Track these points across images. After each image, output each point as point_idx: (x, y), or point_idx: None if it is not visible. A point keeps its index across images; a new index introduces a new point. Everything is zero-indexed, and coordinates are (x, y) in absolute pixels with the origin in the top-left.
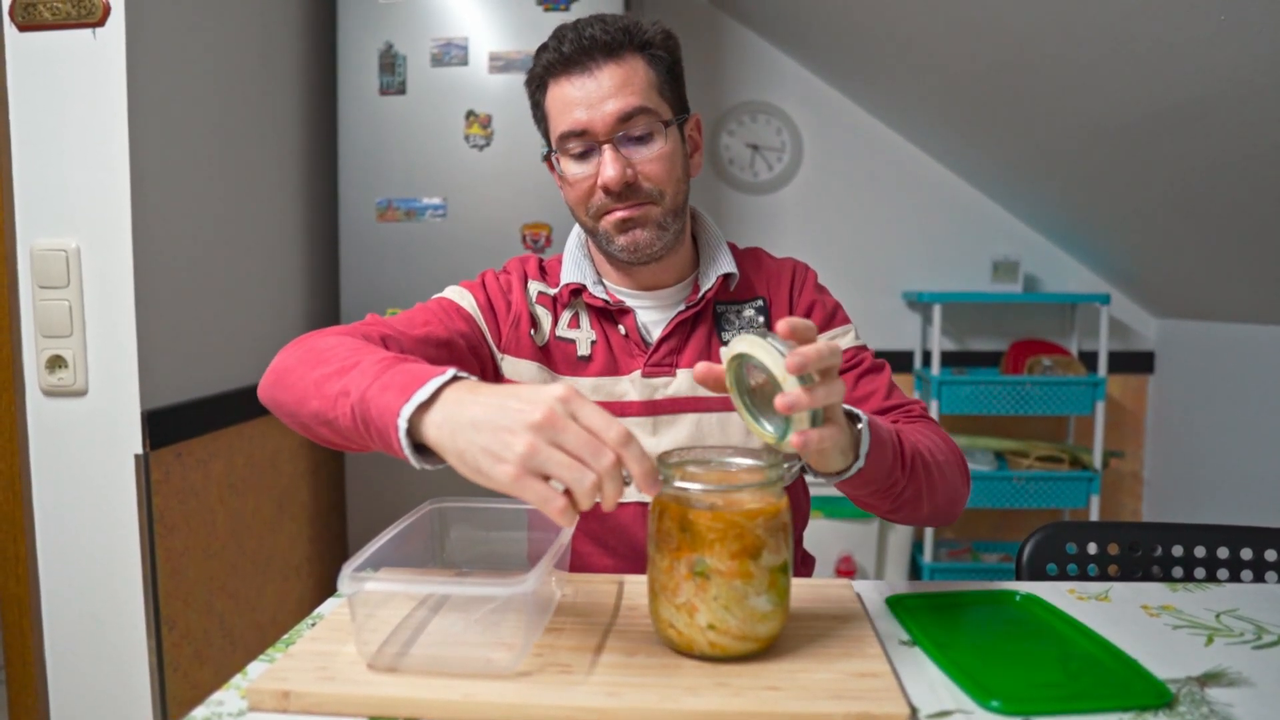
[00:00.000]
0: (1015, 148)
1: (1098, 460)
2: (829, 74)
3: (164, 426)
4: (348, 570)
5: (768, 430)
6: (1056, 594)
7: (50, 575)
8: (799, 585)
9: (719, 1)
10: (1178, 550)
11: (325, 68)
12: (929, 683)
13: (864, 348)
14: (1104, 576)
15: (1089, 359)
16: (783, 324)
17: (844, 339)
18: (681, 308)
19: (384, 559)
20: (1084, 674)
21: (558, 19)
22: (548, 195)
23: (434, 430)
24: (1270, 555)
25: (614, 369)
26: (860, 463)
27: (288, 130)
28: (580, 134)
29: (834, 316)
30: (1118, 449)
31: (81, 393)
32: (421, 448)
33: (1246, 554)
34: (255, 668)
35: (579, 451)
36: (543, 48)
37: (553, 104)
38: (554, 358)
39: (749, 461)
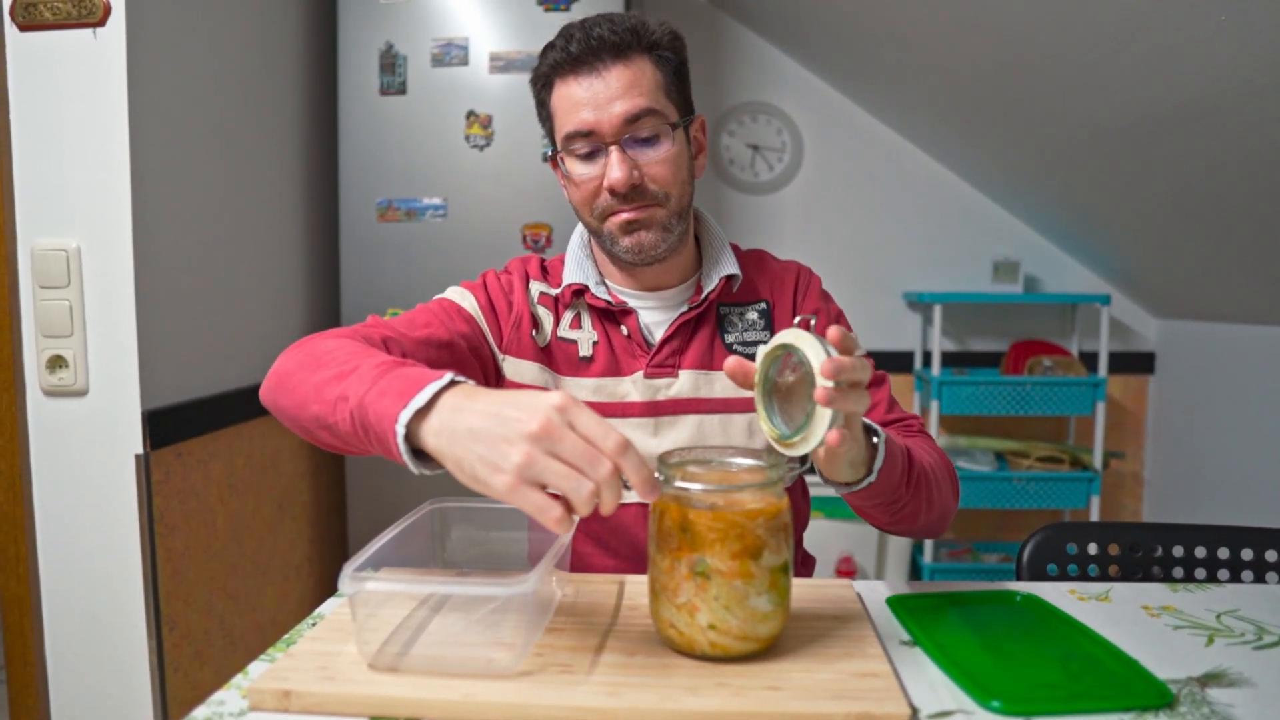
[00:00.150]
0: (1016, 148)
1: (1098, 461)
2: (829, 74)
3: (164, 426)
4: (348, 570)
5: (780, 429)
6: (1057, 594)
7: (51, 575)
8: (799, 585)
9: (719, 1)
10: (1178, 551)
11: (326, 68)
12: (929, 683)
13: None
14: (1104, 577)
15: (1089, 359)
16: (833, 330)
17: None
18: (684, 309)
19: (384, 559)
20: (1085, 674)
21: (558, 19)
22: (548, 196)
23: (432, 438)
24: (1271, 556)
25: (616, 370)
26: (873, 477)
27: (288, 130)
28: (587, 134)
29: (837, 323)
30: (1118, 449)
31: (82, 393)
32: (420, 453)
33: (1247, 554)
34: (256, 667)
35: (576, 461)
36: (549, 46)
37: (559, 103)
38: (555, 358)
39: (750, 462)
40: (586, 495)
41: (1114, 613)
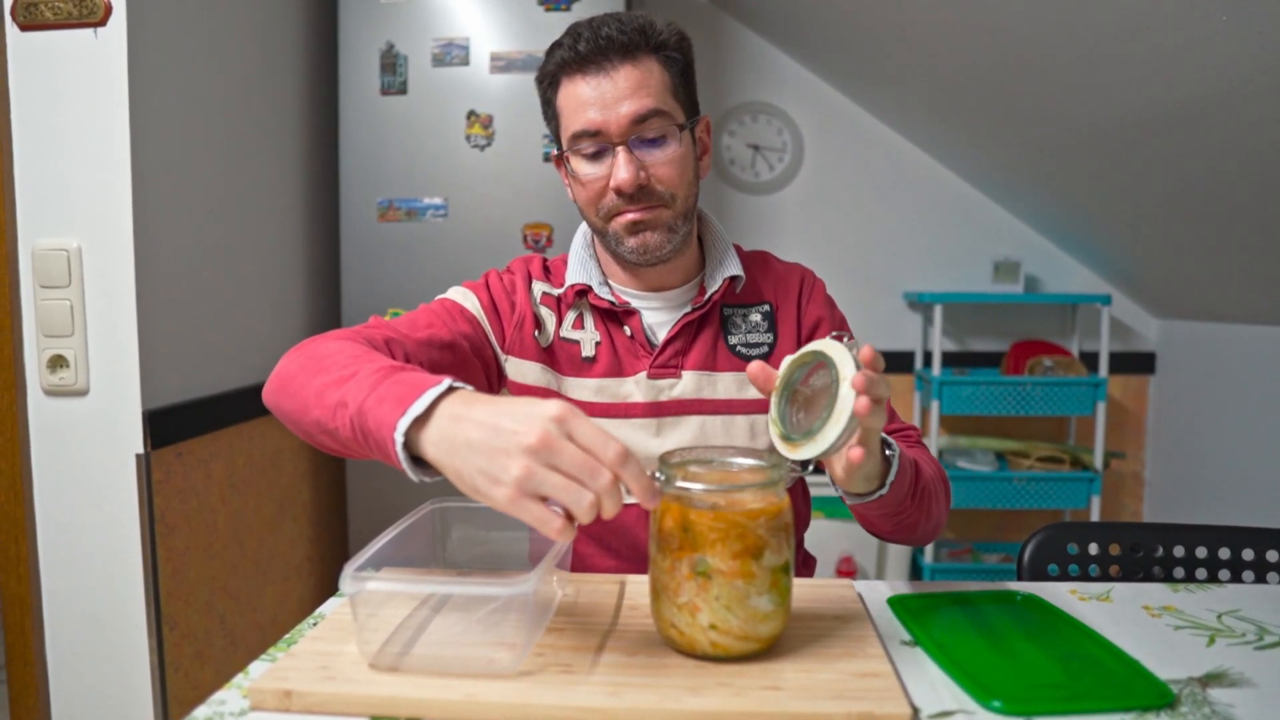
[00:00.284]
0: (1016, 148)
1: (1099, 461)
2: (830, 74)
3: (165, 426)
4: (349, 570)
5: (788, 431)
6: (1058, 594)
7: (51, 575)
8: (800, 585)
9: (720, 1)
10: (1179, 551)
11: (326, 68)
12: (930, 683)
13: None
14: (1105, 577)
15: (1090, 359)
16: (866, 349)
17: None
18: (687, 309)
19: (385, 559)
20: (1085, 674)
21: (558, 19)
22: (549, 195)
23: (431, 448)
24: (1272, 556)
25: (618, 370)
26: (885, 490)
27: (289, 130)
28: (594, 134)
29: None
30: (1119, 450)
31: (83, 392)
32: (419, 459)
33: (1248, 554)
34: (257, 667)
35: (575, 472)
36: (556, 45)
37: (565, 102)
38: (558, 359)
39: (751, 462)
40: (586, 506)
41: (1115, 613)
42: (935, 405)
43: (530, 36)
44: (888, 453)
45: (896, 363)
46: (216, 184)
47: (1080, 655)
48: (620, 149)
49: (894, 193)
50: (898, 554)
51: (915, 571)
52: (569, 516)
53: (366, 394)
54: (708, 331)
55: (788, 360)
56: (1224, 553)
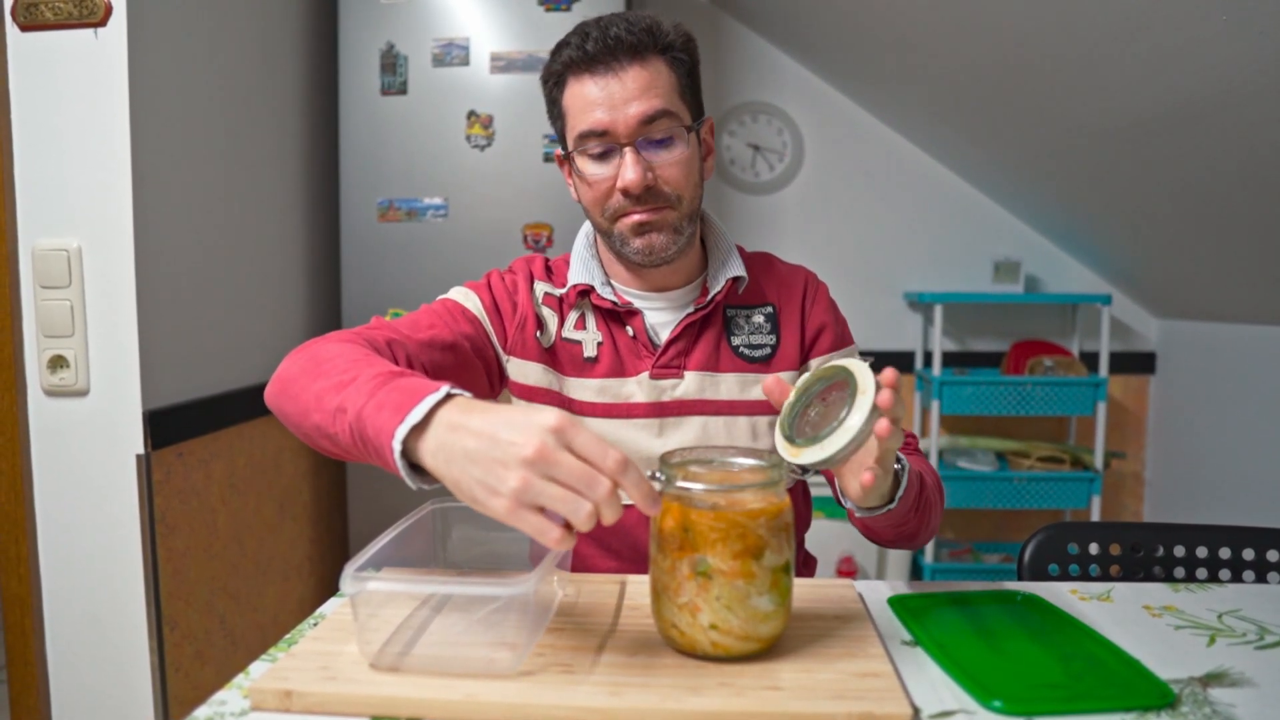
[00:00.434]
0: (1016, 148)
1: (1099, 461)
2: (830, 74)
3: (165, 426)
4: (350, 570)
5: (797, 438)
6: (1058, 594)
7: (52, 575)
8: (801, 585)
9: (720, 1)
10: (1179, 551)
11: (326, 68)
12: (931, 683)
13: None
14: (1106, 577)
15: (1090, 359)
16: (889, 372)
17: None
18: (690, 310)
19: (386, 559)
20: (1086, 674)
21: (559, 19)
22: (549, 196)
23: (429, 457)
24: (1272, 556)
25: (620, 370)
26: (894, 504)
27: (289, 130)
28: (601, 134)
29: (842, 339)
30: (1119, 449)
31: (83, 393)
32: (418, 466)
33: (1248, 554)
34: (258, 667)
35: (573, 483)
36: (564, 44)
37: (572, 102)
38: (560, 359)
39: (751, 461)
40: (584, 515)
41: (1115, 613)
42: (935, 405)
43: (530, 36)
44: (896, 468)
45: (897, 363)
46: (217, 184)
47: (1081, 655)
48: (628, 150)
49: (894, 193)
50: (898, 554)
51: (916, 571)
52: (568, 526)
53: (365, 400)
54: (710, 332)
55: (809, 374)
56: (1225, 552)
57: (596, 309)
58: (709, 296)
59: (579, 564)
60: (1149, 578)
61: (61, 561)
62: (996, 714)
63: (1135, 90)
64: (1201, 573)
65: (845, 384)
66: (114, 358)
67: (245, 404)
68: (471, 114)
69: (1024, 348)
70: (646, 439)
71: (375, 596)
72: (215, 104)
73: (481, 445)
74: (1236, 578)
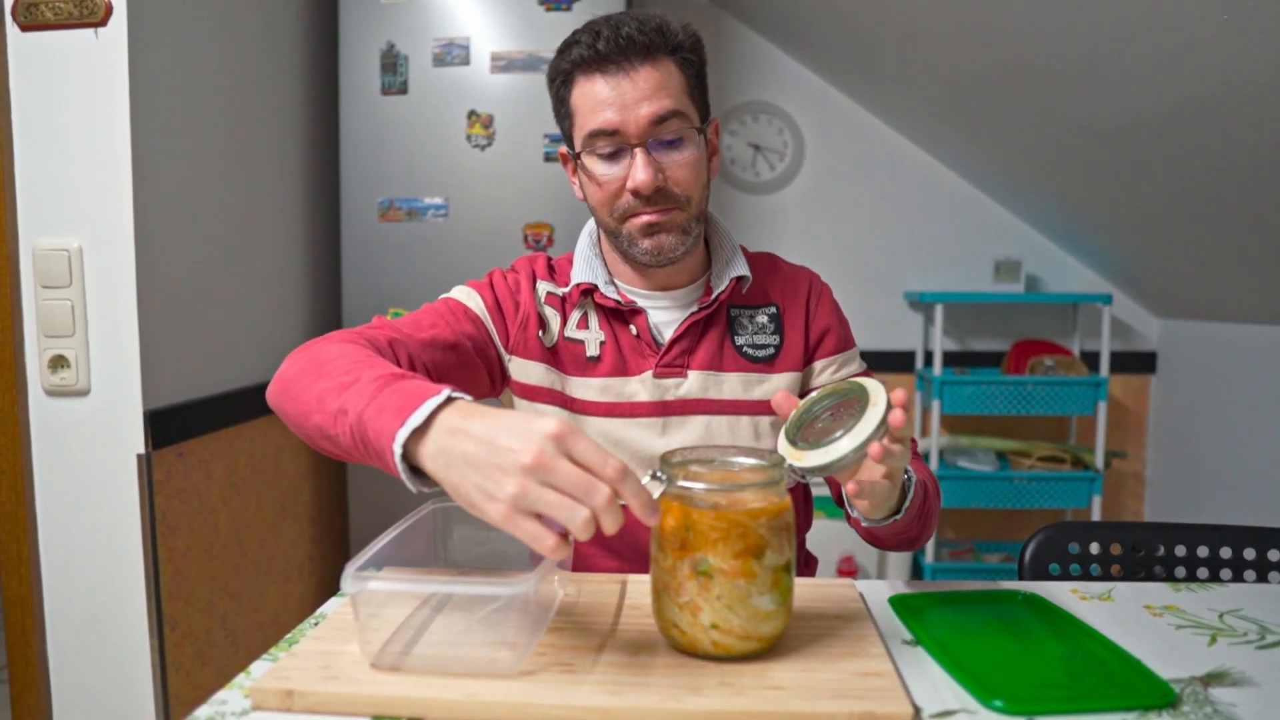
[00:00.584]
0: (1017, 148)
1: (1100, 460)
2: (831, 74)
3: (166, 426)
4: (351, 569)
5: (800, 442)
6: (1059, 594)
7: (52, 575)
8: (802, 585)
9: (720, 1)
10: (1180, 550)
11: (327, 68)
12: (932, 682)
13: (867, 373)
14: (1106, 576)
15: (1091, 359)
16: (899, 392)
17: (852, 364)
18: (694, 309)
19: (386, 559)
20: (1087, 674)
21: (559, 19)
22: (550, 195)
23: (429, 461)
24: (1273, 555)
25: (623, 369)
26: (900, 516)
27: (289, 130)
28: (611, 134)
29: (845, 342)
30: (1120, 449)
31: (84, 392)
32: (418, 468)
33: (1249, 554)
34: (258, 667)
35: (572, 489)
36: (573, 42)
37: (581, 101)
38: (562, 359)
39: (752, 461)
40: (581, 523)
41: (1116, 612)
42: (936, 405)
43: (531, 36)
44: (904, 478)
45: (897, 362)
46: (217, 184)
47: (1082, 655)
48: (639, 150)
49: (894, 192)
50: (899, 554)
51: (916, 571)
52: (566, 535)
53: (367, 402)
54: (714, 331)
55: (821, 390)
56: (1225, 552)
57: (599, 308)
58: (713, 296)
59: (580, 564)
60: (1150, 577)
61: (62, 561)
62: (997, 713)
63: (1135, 90)
64: (1202, 572)
65: (856, 401)
66: (115, 357)
67: (246, 404)
68: (472, 114)
69: (1025, 347)
70: (649, 438)
71: (376, 596)
72: (215, 104)
73: (481, 450)
74: (1237, 577)
